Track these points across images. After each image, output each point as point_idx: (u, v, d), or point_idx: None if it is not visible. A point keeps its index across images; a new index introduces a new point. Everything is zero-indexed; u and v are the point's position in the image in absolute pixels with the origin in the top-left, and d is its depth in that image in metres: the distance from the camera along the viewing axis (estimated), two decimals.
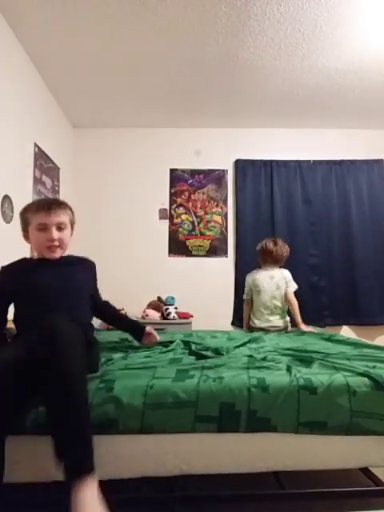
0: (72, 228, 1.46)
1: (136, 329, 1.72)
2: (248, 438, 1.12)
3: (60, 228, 1.37)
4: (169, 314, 3.26)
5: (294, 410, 1.12)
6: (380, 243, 3.61)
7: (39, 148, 2.89)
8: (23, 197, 2.62)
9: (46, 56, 2.64)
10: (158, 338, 1.71)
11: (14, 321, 1.35)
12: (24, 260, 1.46)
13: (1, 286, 1.39)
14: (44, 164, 3.00)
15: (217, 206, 3.79)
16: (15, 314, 1.36)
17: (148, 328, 1.70)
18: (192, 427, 1.09)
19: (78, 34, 2.41)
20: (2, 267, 1.41)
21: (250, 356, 1.49)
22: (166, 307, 3.30)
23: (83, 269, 1.51)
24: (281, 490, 1.09)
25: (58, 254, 1.39)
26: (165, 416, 1.09)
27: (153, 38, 2.46)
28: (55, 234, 1.34)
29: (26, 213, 1.39)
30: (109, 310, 1.71)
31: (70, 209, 1.46)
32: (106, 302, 1.70)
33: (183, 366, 1.32)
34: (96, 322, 1.70)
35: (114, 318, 1.73)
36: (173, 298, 3.44)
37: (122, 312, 3.28)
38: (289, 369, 1.27)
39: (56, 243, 1.36)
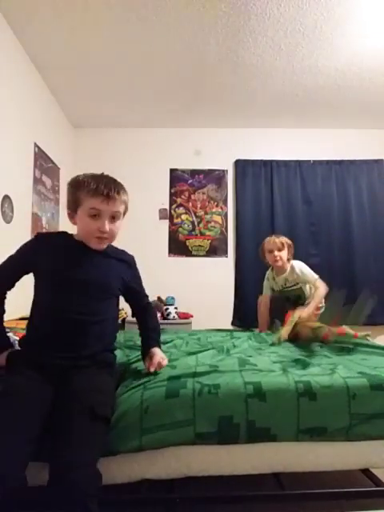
0: (123, 215, 1.29)
1: (144, 350, 1.40)
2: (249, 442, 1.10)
3: (113, 217, 1.22)
4: (169, 314, 3.26)
5: (293, 417, 1.09)
6: (380, 243, 3.61)
7: (39, 148, 2.89)
8: (23, 197, 2.63)
9: (47, 56, 2.64)
10: (165, 362, 1.32)
11: (33, 304, 1.24)
12: (63, 236, 1.31)
13: (25, 254, 1.25)
14: (44, 164, 3.00)
15: (217, 206, 3.79)
16: (35, 297, 1.24)
17: (154, 350, 1.35)
18: (192, 443, 1.07)
19: (78, 34, 2.41)
20: (37, 234, 1.29)
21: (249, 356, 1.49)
22: (165, 307, 3.30)
23: (120, 264, 1.34)
24: (281, 490, 1.08)
25: (104, 245, 1.25)
26: (163, 437, 1.05)
27: (153, 38, 2.46)
28: (108, 225, 1.19)
29: (78, 190, 1.19)
30: (141, 322, 1.46)
31: (127, 194, 1.29)
32: (145, 309, 1.47)
33: (175, 371, 1.23)
34: None
35: (141, 331, 1.44)
36: (173, 298, 3.45)
37: (122, 312, 3.28)
38: (284, 371, 1.23)
39: (106, 235, 1.22)
